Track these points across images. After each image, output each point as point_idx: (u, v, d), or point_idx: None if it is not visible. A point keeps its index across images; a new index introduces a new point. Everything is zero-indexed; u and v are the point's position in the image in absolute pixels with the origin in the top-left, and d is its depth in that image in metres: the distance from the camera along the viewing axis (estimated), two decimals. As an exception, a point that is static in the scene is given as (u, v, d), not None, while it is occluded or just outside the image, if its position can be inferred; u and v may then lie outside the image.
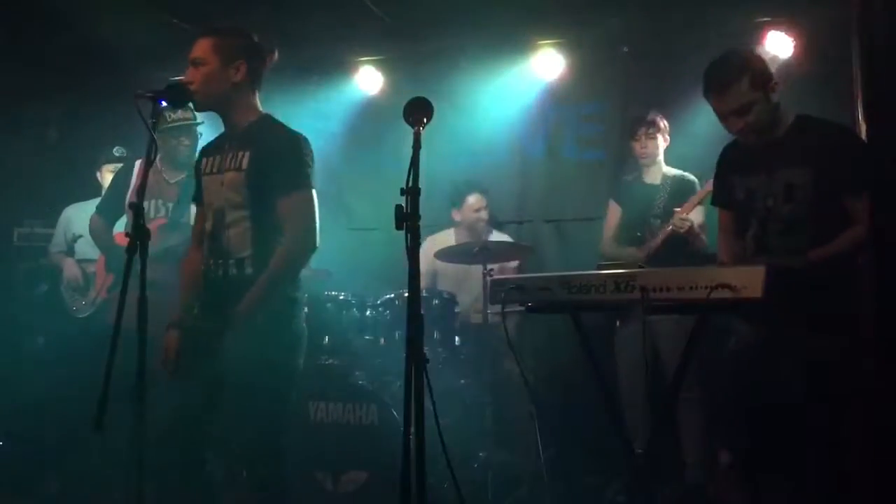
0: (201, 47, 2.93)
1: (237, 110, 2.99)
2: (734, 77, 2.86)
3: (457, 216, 4.99)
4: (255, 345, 2.77)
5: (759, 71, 2.89)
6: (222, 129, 3.08)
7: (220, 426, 2.92)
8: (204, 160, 3.07)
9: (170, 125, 4.14)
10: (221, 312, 2.84)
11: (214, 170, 2.99)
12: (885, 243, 2.39)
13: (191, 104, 3.09)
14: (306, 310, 4.37)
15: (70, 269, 4.78)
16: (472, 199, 4.92)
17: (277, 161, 2.89)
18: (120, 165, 4.82)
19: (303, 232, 2.90)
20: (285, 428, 2.96)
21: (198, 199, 3.10)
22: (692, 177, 4.37)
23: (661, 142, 4.44)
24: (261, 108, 3.05)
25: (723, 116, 2.94)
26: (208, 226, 2.98)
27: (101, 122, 5.44)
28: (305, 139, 2.97)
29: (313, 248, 2.95)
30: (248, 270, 2.88)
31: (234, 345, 2.77)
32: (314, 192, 2.95)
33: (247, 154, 2.91)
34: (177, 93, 2.83)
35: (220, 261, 2.92)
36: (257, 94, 3.04)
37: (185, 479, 2.92)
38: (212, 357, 2.80)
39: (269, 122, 3.03)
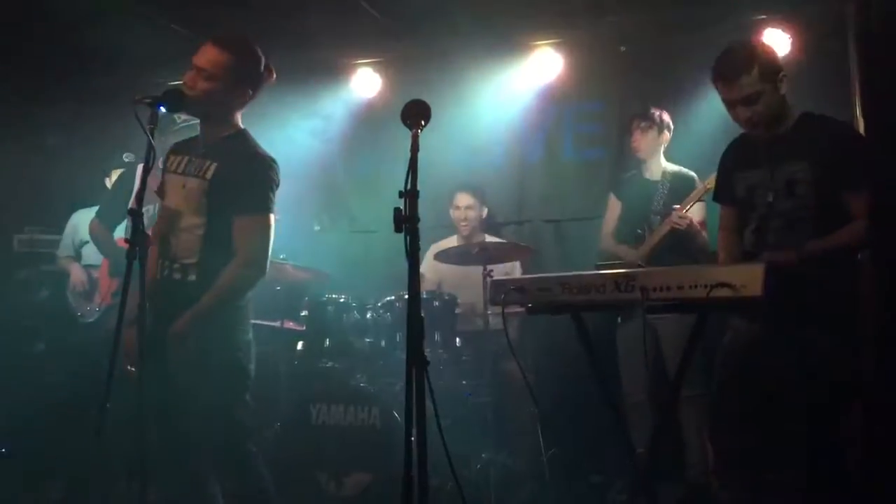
0: (215, 60, 2.86)
1: (219, 124, 2.97)
2: (744, 66, 2.87)
3: (452, 213, 5.00)
4: (198, 356, 2.76)
5: (768, 62, 2.91)
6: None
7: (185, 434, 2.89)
8: (171, 157, 3.04)
9: (181, 126, 4.14)
10: (164, 318, 2.82)
11: (179, 170, 2.96)
12: (884, 239, 2.39)
13: None
14: (305, 312, 4.41)
15: (76, 274, 4.80)
16: (458, 198, 4.93)
17: (242, 179, 2.88)
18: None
19: (254, 255, 2.88)
20: (247, 434, 2.94)
21: (161, 194, 3.06)
22: (692, 173, 4.38)
23: (657, 136, 4.43)
24: (240, 124, 3.03)
25: (731, 105, 2.95)
26: (162, 226, 2.95)
27: (105, 128, 5.44)
28: (274, 162, 2.96)
29: (262, 273, 2.90)
30: (191, 277, 2.86)
31: (176, 358, 2.77)
32: (272, 217, 2.93)
33: (213, 165, 2.89)
34: (175, 98, 2.83)
35: (167, 263, 2.90)
36: (241, 112, 3.03)
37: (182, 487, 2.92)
38: (161, 362, 2.76)
39: (244, 139, 3.00)
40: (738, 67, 2.88)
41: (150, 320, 2.81)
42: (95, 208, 4.86)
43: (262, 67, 3.00)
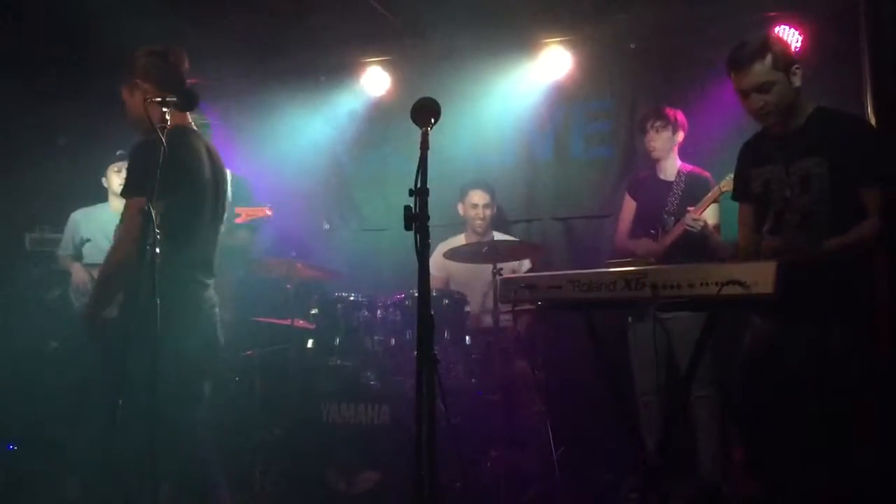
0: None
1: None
2: (757, 54, 2.88)
3: (460, 210, 4.99)
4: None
5: (781, 52, 2.92)
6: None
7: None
8: None
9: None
10: None
11: None
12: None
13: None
14: (315, 311, 4.41)
15: (77, 273, 4.82)
16: (473, 195, 4.91)
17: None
18: (124, 165, 4.87)
19: (116, 239, 2.94)
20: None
21: None
22: (706, 173, 4.35)
23: (672, 136, 4.41)
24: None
25: (744, 94, 2.95)
26: None
27: (109, 127, 5.46)
28: (143, 146, 2.91)
29: (118, 258, 2.87)
30: None
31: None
32: (138, 202, 2.78)
33: None
34: (186, 97, 2.84)
35: None
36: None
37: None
38: None
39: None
40: (751, 55, 2.89)
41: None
42: (94, 207, 4.93)
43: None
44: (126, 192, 2.89)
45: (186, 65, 3.11)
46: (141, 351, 2.60)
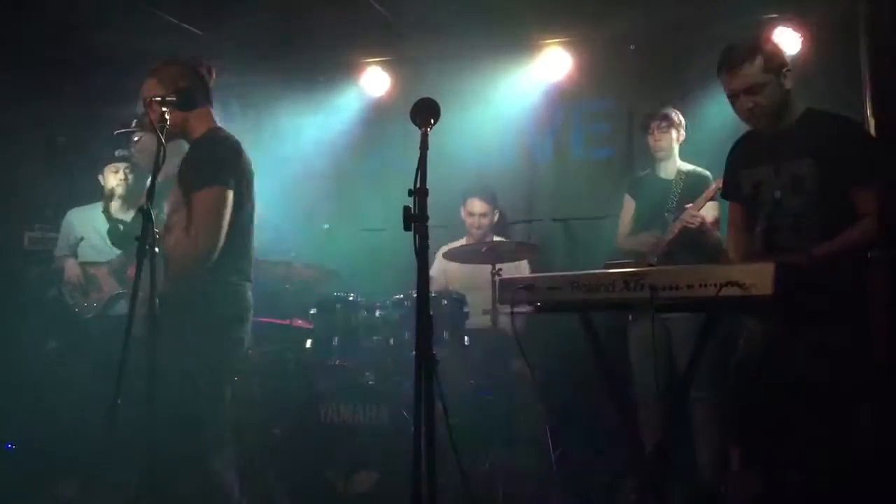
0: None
1: (189, 134, 3.05)
2: (747, 55, 2.88)
3: (462, 214, 5.00)
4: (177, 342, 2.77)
5: (772, 54, 2.92)
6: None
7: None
8: None
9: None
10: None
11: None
12: (894, 236, 2.39)
13: None
14: (314, 311, 4.41)
15: (70, 269, 4.83)
16: (472, 204, 4.93)
17: (199, 157, 2.95)
18: (122, 166, 4.89)
19: (202, 229, 2.84)
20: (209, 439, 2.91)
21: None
22: (706, 172, 4.37)
23: (675, 136, 4.44)
24: (209, 126, 3.06)
25: (734, 95, 2.95)
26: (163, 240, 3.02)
27: (107, 127, 5.46)
28: (230, 140, 2.98)
29: (209, 247, 2.84)
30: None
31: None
32: (226, 192, 2.86)
33: (180, 158, 2.99)
34: (187, 97, 2.85)
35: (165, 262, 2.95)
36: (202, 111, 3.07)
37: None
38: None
39: (211, 132, 3.05)
40: (742, 56, 2.89)
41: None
42: (89, 206, 4.94)
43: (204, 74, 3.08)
44: (204, 181, 2.85)
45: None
46: (171, 351, 2.65)
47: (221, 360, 2.96)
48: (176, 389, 2.71)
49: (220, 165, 2.89)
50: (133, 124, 4.62)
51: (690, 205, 4.20)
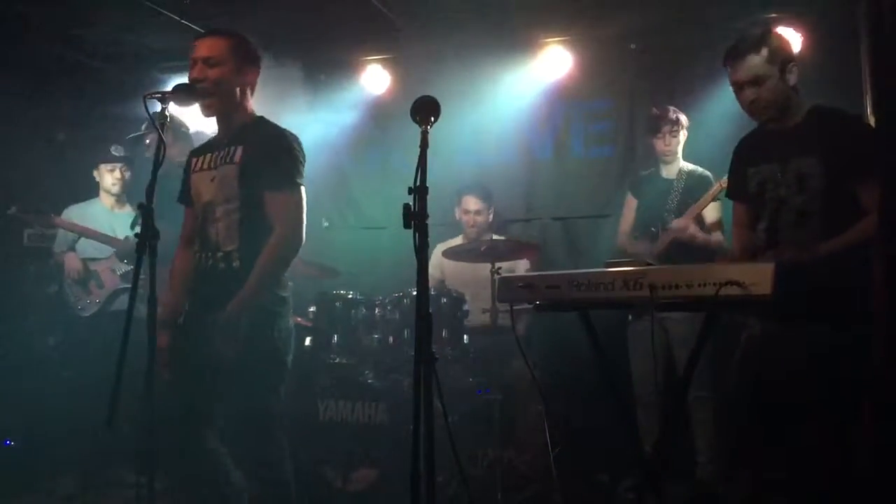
0: (216, 47, 2.95)
1: (236, 112, 3.03)
2: (752, 47, 2.89)
3: (456, 214, 4.99)
4: (245, 341, 2.81)
5: (778, 47, 2.91)
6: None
7: (220, 419, 2.98)
8: (194, 160, 3.13)
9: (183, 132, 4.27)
10: (211, 306, 2.88)
11: (205, 167, 3.04)
12: (894, 234, 2.37)
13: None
14: (313, 308, 4.43)
15: (71, 262, 4.84)
16: (466, 201, 4.92)
17: (270, 157, 2.93)
18: (118, 165, 4.90)
19: (291, 229, 2.94)
20: (280, 424, 3.01)
21: (186, 200, 3.15)
22: (707, 172, 4.37)
23: (683, 138, 4.46)
24: (255, 111, 3.10)
25: (738, 87, 2.95)
26: (198, 222, 3.03)
27: (105, 124, 5.47)
28: (297, 139, 3.02)
29: (300, 244, 3.01)
30: (235, 264, 2.92)
31: (225, 341, 2.81)
32: (303, 189, 2.99)
33: (239, 148, 2.95)
34: (186, 92, 2.84)
35: (209, 254, 2.96)
36: (251, 97, 3.11)
37: (193, 473, 2.94)
38: (205, 351, 2.84)
39: (263, 122, 3.08)
40: (747, 47, 2.90)
41: (194, 311, 2.96)
42: (86, 203, 4.97)
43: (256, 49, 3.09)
44: (287, 182, 2.93)
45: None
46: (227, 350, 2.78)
47: (287, 354, 3.04)
48: (251, 388, 2.88)
49: (297, 164, 2.97)
50: (143, 127, 4.67)
51: (676, 220, 4.21)
